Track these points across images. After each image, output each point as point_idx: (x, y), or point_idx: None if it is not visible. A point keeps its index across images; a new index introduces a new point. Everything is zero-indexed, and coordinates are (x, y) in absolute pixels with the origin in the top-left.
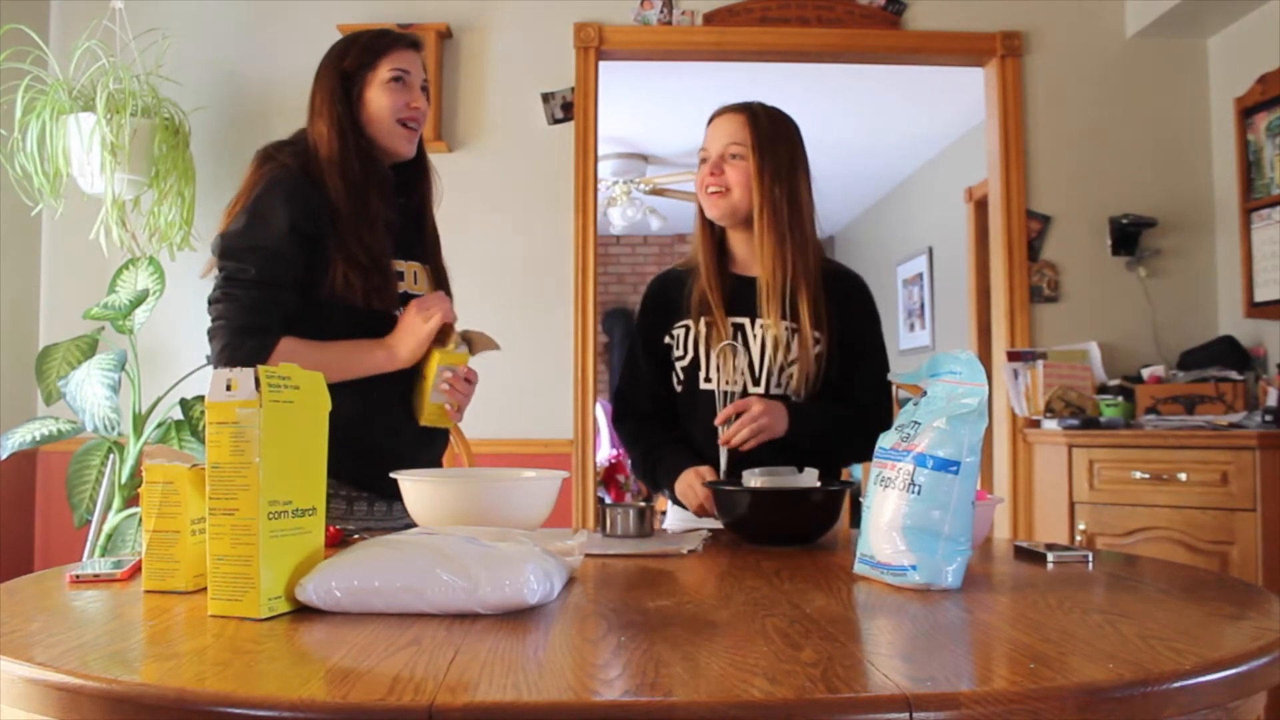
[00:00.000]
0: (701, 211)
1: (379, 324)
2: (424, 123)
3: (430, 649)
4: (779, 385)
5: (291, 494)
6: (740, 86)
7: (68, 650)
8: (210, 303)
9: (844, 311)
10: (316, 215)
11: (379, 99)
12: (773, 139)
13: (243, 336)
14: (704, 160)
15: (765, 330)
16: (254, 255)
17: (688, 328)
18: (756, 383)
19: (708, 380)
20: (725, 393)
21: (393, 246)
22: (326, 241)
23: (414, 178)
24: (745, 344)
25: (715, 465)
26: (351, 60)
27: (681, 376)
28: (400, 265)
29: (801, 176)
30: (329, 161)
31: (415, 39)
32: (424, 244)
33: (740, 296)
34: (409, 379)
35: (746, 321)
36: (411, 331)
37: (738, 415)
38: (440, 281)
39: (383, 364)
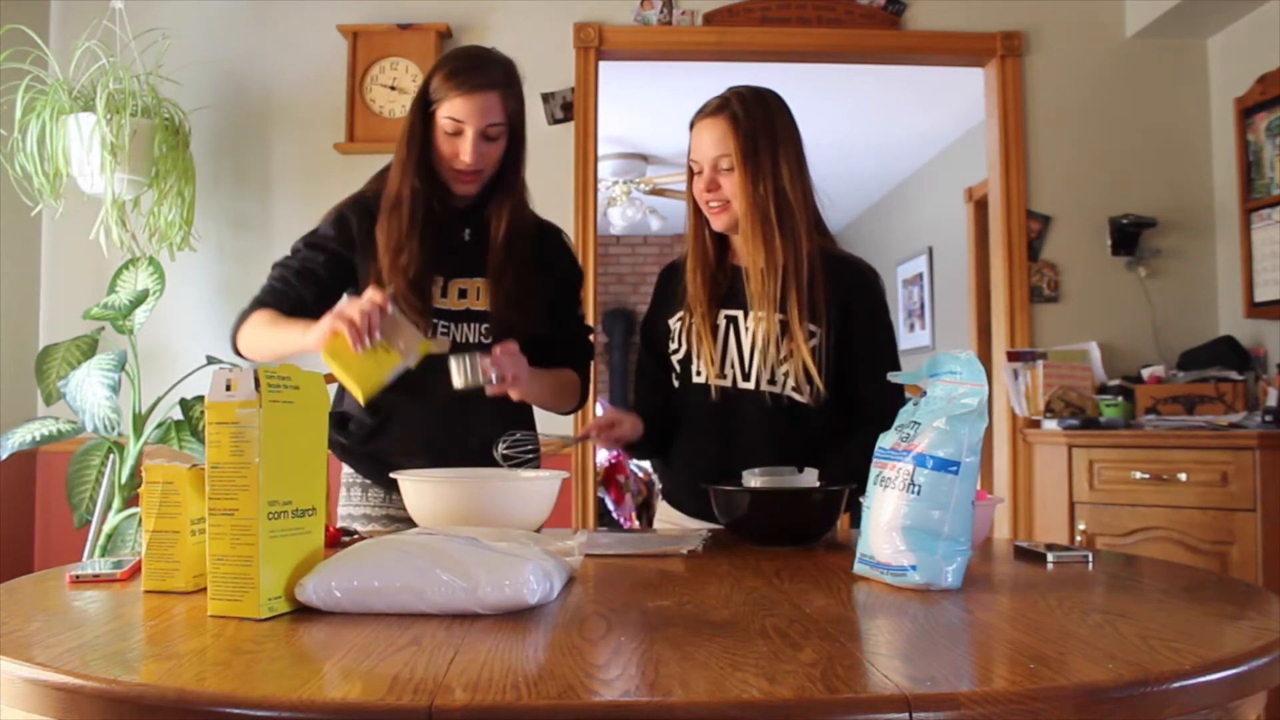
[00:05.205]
0: (695, 210)
1: None
2: (482, 169)
3: (430, 649)
4: (772, 382)
5: (291, 494)
6: None
7: (68, 650)
8: None
9: (846, 306)
10: (351, 239)
11: (439, 141)
12: (754, 140)
13: (250, 305)
14: (697, 172)
15: (758, 324)
16: (295, 252)
17: (682, 320)
18: (747, 378)
19: (698, 374)
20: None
21: (459, 265)
22: (355, 261)
23: (486, 202)
24: (738, 337)
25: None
26: (431, 91)
27: (678, 370)
28: (464, 283)
29: (785, 168)
30: (385, 198)
31: (480, 82)
32: (488, 262)
33: (738, 288)
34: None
35: (740, 314)
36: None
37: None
38: (518, 293)
39: (299, 341)
